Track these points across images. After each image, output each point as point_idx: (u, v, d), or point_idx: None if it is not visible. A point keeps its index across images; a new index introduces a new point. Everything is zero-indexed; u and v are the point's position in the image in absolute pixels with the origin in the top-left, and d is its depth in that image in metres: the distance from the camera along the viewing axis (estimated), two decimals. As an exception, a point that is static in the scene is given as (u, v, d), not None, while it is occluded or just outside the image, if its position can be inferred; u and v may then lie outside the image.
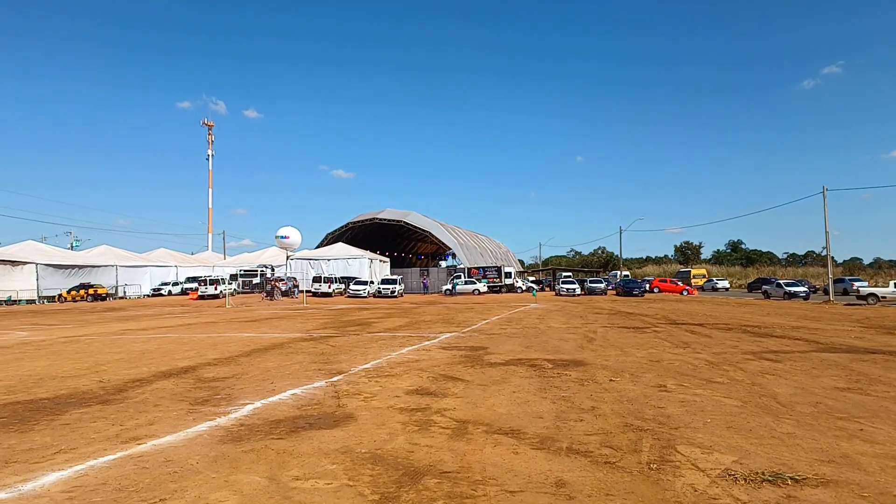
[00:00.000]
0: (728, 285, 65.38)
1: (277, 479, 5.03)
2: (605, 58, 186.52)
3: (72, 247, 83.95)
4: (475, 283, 55.29)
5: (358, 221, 69.58)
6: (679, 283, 58.42)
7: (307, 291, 48.46)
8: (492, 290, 56.40)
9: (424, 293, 52.76)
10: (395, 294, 50.69)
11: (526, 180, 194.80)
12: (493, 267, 61.05)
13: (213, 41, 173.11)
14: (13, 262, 53.46)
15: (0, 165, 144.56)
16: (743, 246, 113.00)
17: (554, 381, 9.81)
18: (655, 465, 5.38)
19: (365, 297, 50.06)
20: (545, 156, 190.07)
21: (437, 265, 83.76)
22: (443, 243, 68.84)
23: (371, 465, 5.42)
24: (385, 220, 68.36)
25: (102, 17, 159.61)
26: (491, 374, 10.53)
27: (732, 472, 5.19)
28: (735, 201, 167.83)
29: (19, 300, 52.08)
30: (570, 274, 66.31)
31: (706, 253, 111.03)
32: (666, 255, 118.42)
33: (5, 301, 50.78)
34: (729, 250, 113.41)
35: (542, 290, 60.94)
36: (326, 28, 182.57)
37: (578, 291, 51.39)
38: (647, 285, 56.55)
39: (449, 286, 55.16)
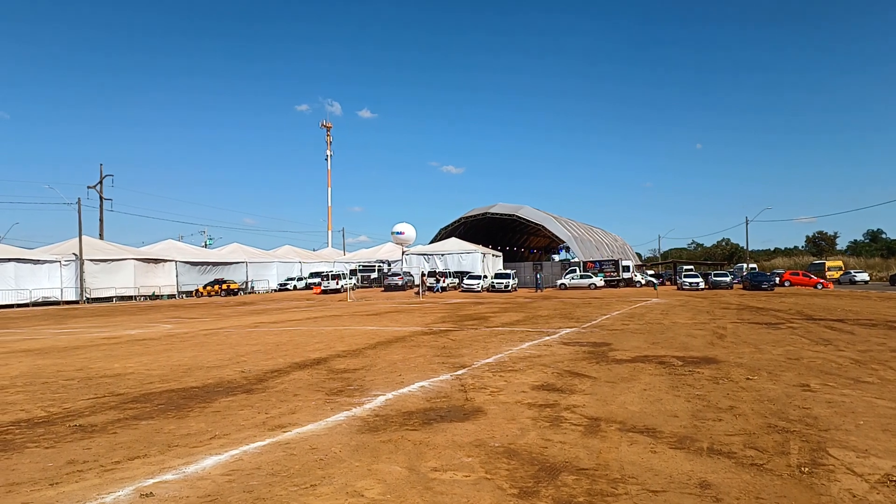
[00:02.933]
0: (868, 278, 60.49)
1: (417, 469, 5.18)
2: (733, 47, 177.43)
3: (206, 245, 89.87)
4: (591, 278, 54.29)
5: (470, 216, 70.11)
6: (812, 275, 54.72)
7: (422, 286, 49.32)
8: (609, 284, 55.17)
9: (537, 290, 52.35)
10: (509, 288, 50.68)
11: (642, 169, 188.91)
12: (610, 260, 59.69)
13: (327, 45, 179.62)
14: (156, 260, 57.95)
15: (143, 170, 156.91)
16: (884, 236, 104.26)
17: (686, 378, 9.48)
18: (807, 469, 5.09)
19: (479, 291, 50.39)
20: (662, 145, 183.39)
21: (550, 259, 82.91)
22: (556, 237, 68.08)
23: (506, 459, 5.46)
24: (497, 214, 68.48)
25: (228, 29, 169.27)
26: (618, 370, 10.32)
27: (894, 478, 4.83)
28: (873, 188, 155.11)
29: (162, 295, 56.36)
30: (691, 267, 63.64)
31: (841, 244, 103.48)
32: (796, 247, 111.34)
33: (150, 296, 55.10)
34: (868, 240, 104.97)
35: (663, 283, 58.91)
36: (434, 25, 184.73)
37: (702, 285, 49.32)
38: (777, 278, 53.34)
39: (564, 280, 54.51)
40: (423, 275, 50.15)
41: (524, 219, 67.81)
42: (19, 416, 7.54)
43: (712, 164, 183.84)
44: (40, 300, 48.43)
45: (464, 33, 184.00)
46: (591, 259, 61.39)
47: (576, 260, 62.59)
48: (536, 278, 54.11)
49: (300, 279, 69.06)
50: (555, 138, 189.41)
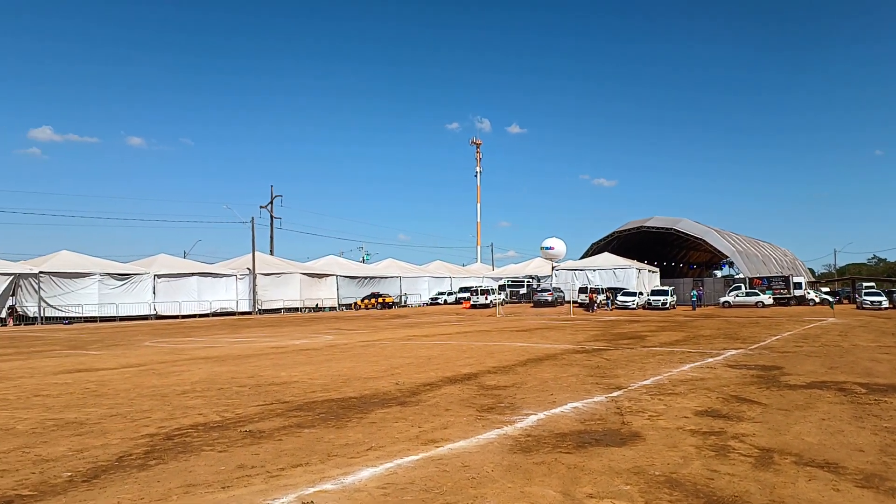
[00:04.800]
0: None
1: (571, 494, 4.97)
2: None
3: (363, 260, 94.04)
4: (758, 295, 50.64)
5: (623, 230, 67.97)
6: None
7: (574, 302, 48.37)
8: (778, 302, 51.15)
9: (694, 307, 49.66)
10: (667, 306, 48.48)
11: (813, 180, 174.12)
12: (779, 276, 55.36)
13: (478, 64, 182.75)
14: (319, 275, 61.58)
15: (302, 191, 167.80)
16: None
17: (871, 408, 8.49)
18: None
19: (634, 308, 48.64)
20: (834, 152, 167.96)
21: (711, 275, 78.37)
22: (718, 251, 64.27)
23: (668, 489, 5.11)
24: (652, 227, 65.82)
25: (385, 55, 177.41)
26: (791, 397, 9.44)
27: None
28: None
29: (324, 307, 59.68)
30: (872, 284, 57.52)
31: None
32: None
33: (313, 308, 58.52)
34: None
35: (840, 302, 53.68)
36: (582, 40, 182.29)
37: (886, 304, 44.39)
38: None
39: (727, 298, 51.29)
40: (591, 291, 49.07)
41: (683, 232, 64.65)
42: (197, 419, 8.17)
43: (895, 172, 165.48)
44: (219, 311, 52.95)
45: (616, 42, 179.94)
46: (757, 275, 57.26)
47: (740, 276, 58.62)
48: (693, 295, 51.39)
49: (450, 294, 70.34)
50: (714, 150, 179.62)
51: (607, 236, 69.10)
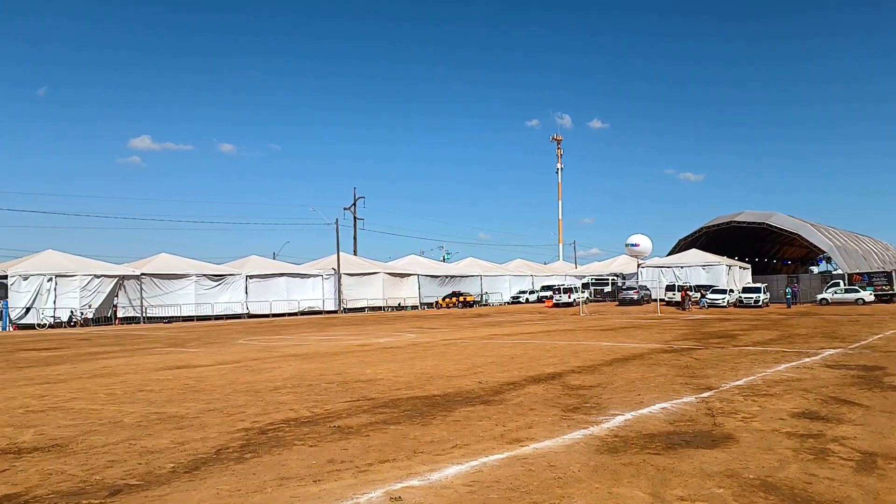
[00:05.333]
0: None
1: (661, 496, 4.86)
2: None
3: (444, 259, 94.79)
4: (858, 292, 47.88)
5: (712, 226, 65.55)
6: None
7: (661, 301, 47.08)
8: (880, 299, 48.18)
9: (788, 305, 47.42)
10: (760, 304, 46.52)
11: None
12: (881, 272, 52.14)
13: (557, 58, 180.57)
14: (401, 274, 62.51)
15: (384, 192, 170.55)
16: None
17: None
18: None
19: (724, 306, 46.94)
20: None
21: (807, 271, 74.62)
22: (814, 246, 61.07)
23: (763, 493, 4.91)
24: (743, 222, 63.17)
25: (466, 56, 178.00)
26: (898, 400, 8.90)
27: None
28: None
29: (406, 306, 60.52)
30: None
31: None
32: None
33: (395, 307, 59.44)
34: None
35: (952, 299, 50.06)
36: (665, 34, 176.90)
37: None
38: None
39: (825, 295, 48.74)
40: (684, 288, 47.66)
41: (775, 227, 61.76)
42: (288, 415, 8.46)
43: None
44: (306, 309, 54.59)
45: (703, 37, 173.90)
46: (857, 271, 54.13)
47: (838, 272, 55.58)
48: (787, 292, 49.07)
49: (532, 292, 69.91)
50: (807, 143, 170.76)
51: (695, 232, 66.86)
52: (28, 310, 42.33)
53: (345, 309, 56.01)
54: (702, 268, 54.67)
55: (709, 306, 47.04)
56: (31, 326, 41.45)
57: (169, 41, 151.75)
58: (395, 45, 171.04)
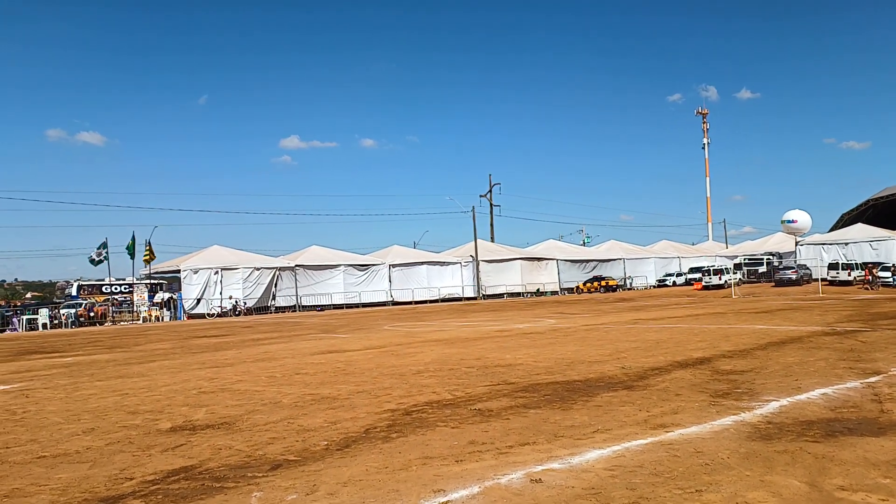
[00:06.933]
0: None
1: (819, 486, 4.54)
2: None
3: (584, 243, 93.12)
4: None
5: (881, 198, 59.58)
6: None
7: (823, 280, 43.49)
8: None
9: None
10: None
11: None
12: None
13: (699, 26, 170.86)
14: (539, 259, 62.21)
15: (521, 177, 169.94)
16: None
17: None
18: None
19: (894, 284, 42.61)
20: None
21: None
22: None
23: (940, 487, 4.46)
24: (919, 193, 56.94)
25: (603, 29, 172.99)
26: None
27: None
28: None
29: (545, 291, 60.17)
30: None
31: None
32: None
33: (534, 292, 59.25)
34: None
35: None
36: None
37: None
38: None
39: None
40: (869, 266, 43.65)
41: (959, 196, 55.17)
42: (431, 397, 8.73)
43: None
44: (446, 296, 55.78)
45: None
46: None
47: None
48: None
49: (679, 274, 66.98)
50: None
51: (860, 205, 61.11)
52: (198, 300, 46.53)
53: (484, 295, 56.62)
54: (869, 244, 49.88)
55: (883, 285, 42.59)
56: (201, 316, 45.51)
57: (304, 41, 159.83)
58: (524, 28, 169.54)
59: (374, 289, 53.34)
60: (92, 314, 45.93)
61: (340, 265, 52.48)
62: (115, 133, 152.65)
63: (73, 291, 61.12)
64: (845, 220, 61.47)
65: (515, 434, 6.43)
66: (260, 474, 5.43)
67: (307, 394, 9.50)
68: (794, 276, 48.01)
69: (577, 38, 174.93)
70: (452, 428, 6.83)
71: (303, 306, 49.68)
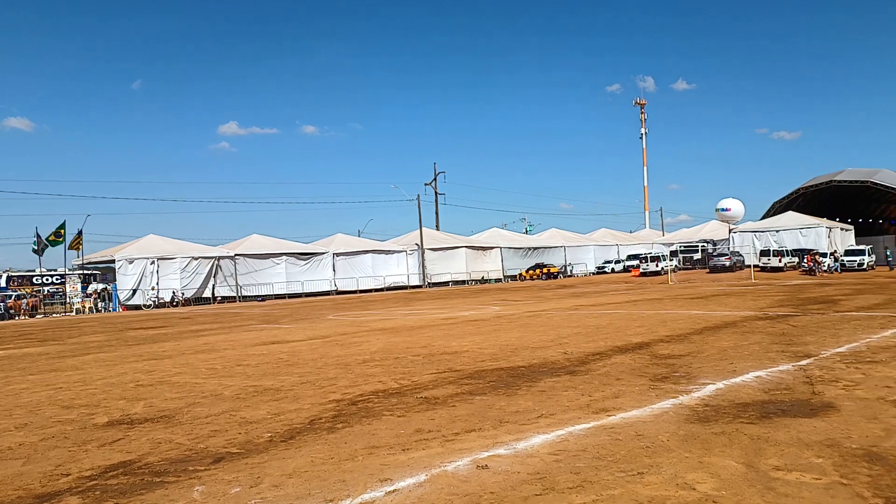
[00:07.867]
0: None
1: (755, 466, 4.71)
2: None
3: (526, 231, 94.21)
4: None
5: (810, 186, 62.08)
6: None
7: (754, 266, 45.18)
8: None
9: (891, 268, 44.54)
10: (864, 267, 43.96)
11: None
12: None
13: (637, 19, 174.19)
14: (483, 248, 62.58)
15: (464, 166, 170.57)
16: None
17: None
18: None
19: (828, 272, 44.66)
20: None
21: (917, 231, 69.68)
22: (925, 204, 56.99)
23: (867, 462, 4.68)
24: (844, 181, 59.47)
25: (538, 24, 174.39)
26: None
27: None
28: None
29: (489, 279, 60.65)
30: None
31: None
32: None
33: (479, 280, 59.67)
34: None
35: None
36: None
37: None
38: None
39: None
40: (811, 253, 45.03)
41: (881, 185, 57.73)
42: (377, 386, 8.69)
43: None
44: (391, 285, 55.63)
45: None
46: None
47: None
48: (887, 254, 46.03)
49: (617, 262, 68.55)
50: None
51: (791, 194, 63.54)
52: (134, 291, 45.10)
53: (429, 283, 56.70)
54: (799, 231, 52.06)
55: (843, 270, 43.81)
56: (137, 307, 44.17)
57: (245, 28, 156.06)
58: (468, 17, 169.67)
59: (318, 278, 52.73)
60: (24, 305, 44.19)
61: (282, 254, 51.65)
62: (44, 119, 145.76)
63: (3, 283, 58.57)
64: (776, 209, 63.80)
65: (461, 421, 6.46)
66: (202, 468, 5.31)
67: (249, 385, 9.33)
68: (727, 263, 49.73)
69: (518, 27, 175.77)
70: (398, 417, 6.82)
71: (244, 296, 48.75)
